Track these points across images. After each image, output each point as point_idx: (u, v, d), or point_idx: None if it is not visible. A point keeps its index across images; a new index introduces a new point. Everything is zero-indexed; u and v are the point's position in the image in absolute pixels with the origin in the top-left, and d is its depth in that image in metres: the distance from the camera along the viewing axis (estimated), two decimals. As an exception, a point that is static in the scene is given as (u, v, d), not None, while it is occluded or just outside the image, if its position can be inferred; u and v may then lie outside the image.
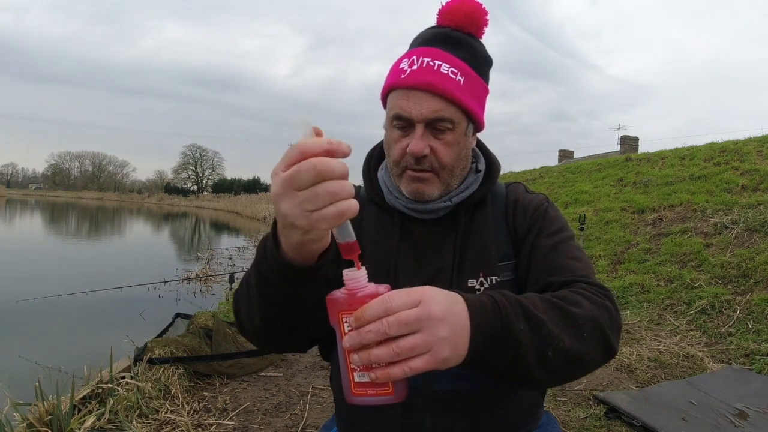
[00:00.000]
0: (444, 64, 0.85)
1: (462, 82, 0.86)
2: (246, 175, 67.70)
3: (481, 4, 0.91)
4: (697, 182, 7.75)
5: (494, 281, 0.91)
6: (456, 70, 0.86)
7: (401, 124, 0.88)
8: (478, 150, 1.01)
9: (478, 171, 0.98)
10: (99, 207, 42.06)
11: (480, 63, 0.90)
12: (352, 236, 0.61)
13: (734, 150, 8.60)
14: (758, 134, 9.38)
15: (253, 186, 59.52)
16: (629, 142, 24.33)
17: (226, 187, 60.67)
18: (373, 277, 0.73)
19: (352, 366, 0.60)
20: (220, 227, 24.78)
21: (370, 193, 0.99)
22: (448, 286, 0.88)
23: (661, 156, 10.14)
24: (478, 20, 0.90)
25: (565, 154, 29.61)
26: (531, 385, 0.78)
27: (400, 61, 0.90)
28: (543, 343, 0.66)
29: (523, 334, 0.65)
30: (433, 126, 0.86)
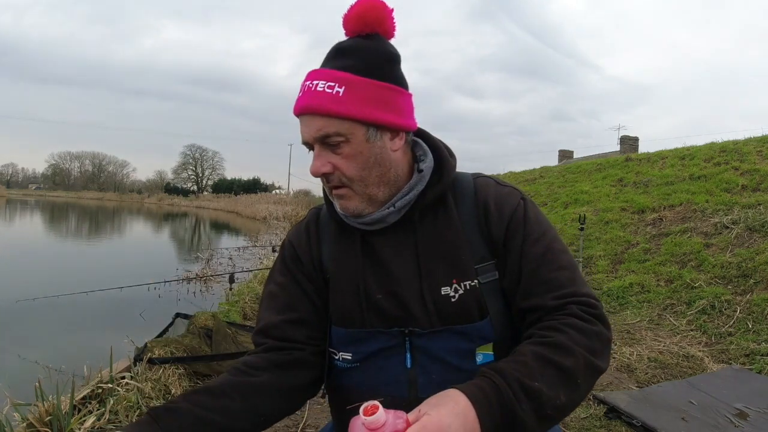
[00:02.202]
0: (320, 82, 0.86)
1: (342, 93, 0.85)
2: (246, 175, 67.42)
3: (375, 1, 0.89)
4: (697, 182, 7.74)
5: (468, 286, 0.89)
6: (333, 83, 0.85)
7: (308, 147, 0.90)
8: (426, 148, 0.97)
9: (420, 171, 0.94)
10: (99, 207, 42.06)
11: (370, 65, 0.87)
12: None
13: (734, 150, 8.59)
14: (758, 134, 9.36)
15: (253, 186, 59.40)
16: (629, 142, 24.33)
17: (226, 187, 60.52)
18: (345, 296, 0.80)
19: None
20: (220, 227, 24.80)
21: (331, 210, 0.99)
22: (419, 295, 0.90)
23: (661, 156, 10.13)
24: (375, 19, 0.88)
25: (565, 154, 29.61)
26: None
27: None
28: (542, 408, 0.73)
29: (525, 413, 0.72)
30: (326, 143, 0.87)
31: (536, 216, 0.94)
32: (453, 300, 0.89)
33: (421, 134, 0.99)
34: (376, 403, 0.64)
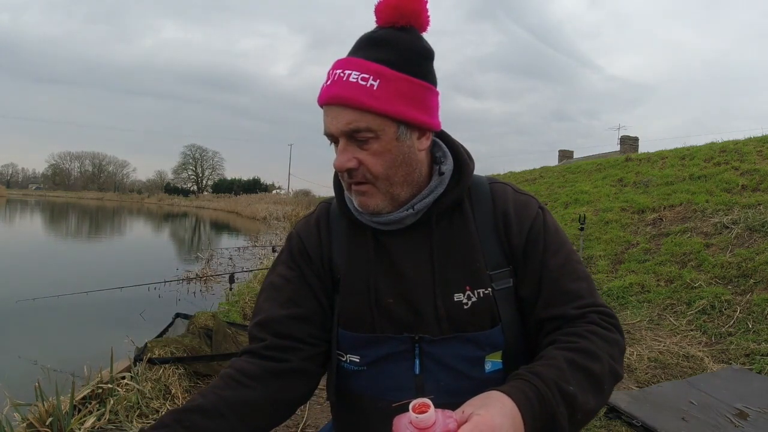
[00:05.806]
0: (354, 73, 0.82)
1: (376, 87, 0.81)
2: (246, 175, 67.51)
3: None
4: (697, 182, 7.74)
5: (482, 294, 0.88)
6: (368, 76, 0.81)
7: (331, 140, 0.87)
8: (446, 149, 0.94)
9: (441, 173, 0.91)
10: (99, 207, 42.05)
11: (405, 59, 0.84)
12: None
13: (734, 150, 8.60)
14: (758, 134, 9.37)
15: (253, 186, 59.45)
16: (629, 142, 24.33)
17: (226, 187, 60.54)
18: (355, 299, 0.79)
19: None
20: (220, 227, 24.79)
21: (342, 206, 0.95)
22: (431, 301, 0.88)
23: (661, 156, 10.13)
24: (411, 11, 0.84)
25: (565, 154, 29.61)
26: None
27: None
28: (575, 413, 0.75)
29: (562, 416, 0.73)
30: (354, 138, 0.83)
31: (555, 226, 0.93)
32: (465, 307, 0.88)
33: (440, 134, 0.95)
34: (427, 401, 0.61)
